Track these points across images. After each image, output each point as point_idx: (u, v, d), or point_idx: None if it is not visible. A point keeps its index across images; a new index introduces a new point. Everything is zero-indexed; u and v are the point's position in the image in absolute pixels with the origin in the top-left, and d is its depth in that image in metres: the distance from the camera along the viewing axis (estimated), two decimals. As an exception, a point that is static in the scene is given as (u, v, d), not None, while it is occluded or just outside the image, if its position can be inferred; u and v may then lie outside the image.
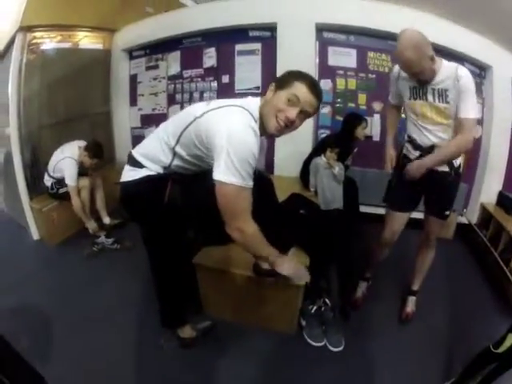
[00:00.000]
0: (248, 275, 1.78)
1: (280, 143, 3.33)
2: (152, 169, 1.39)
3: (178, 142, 1.33)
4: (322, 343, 1.85)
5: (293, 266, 1.56)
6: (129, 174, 1.43)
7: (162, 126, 1.46)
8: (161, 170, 1.39)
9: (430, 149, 1.72)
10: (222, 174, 1.19)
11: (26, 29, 2.94)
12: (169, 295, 1.73)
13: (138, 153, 1.45)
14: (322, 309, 1.96)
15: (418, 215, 2.02)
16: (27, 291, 2.35)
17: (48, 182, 3.03)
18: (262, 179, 1.47)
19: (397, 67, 1.76)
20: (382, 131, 3.16)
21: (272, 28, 3.20)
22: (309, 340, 1.87)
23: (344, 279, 2.21)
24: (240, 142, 1.17)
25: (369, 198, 3.12)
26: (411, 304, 2.09)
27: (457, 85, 1.53)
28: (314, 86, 1.28)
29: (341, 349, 1.82)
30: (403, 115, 2.00)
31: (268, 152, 3.38)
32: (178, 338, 1.82)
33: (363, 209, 3.13)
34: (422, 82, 1.62)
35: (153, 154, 1.39)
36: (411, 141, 1.81)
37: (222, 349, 1.84)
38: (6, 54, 3.10)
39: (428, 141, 1.71)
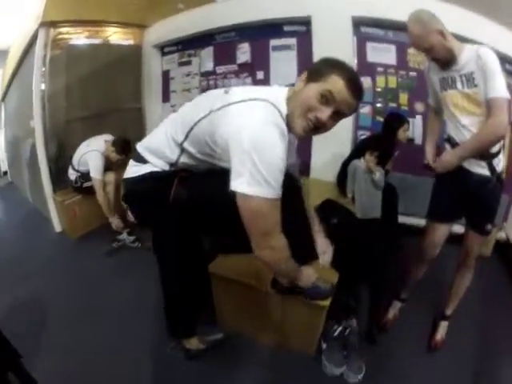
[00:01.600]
0: (266, 289, 1.61)
1: (317, 145, 3.15)
2: (157, 165, 1.22)
3: (186, 137, 1.14)
4: (341, 370, 1.63)
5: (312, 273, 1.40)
6: (132, 170, 1.27)
7: (172, 116, 1.28)
8: (166, 167, 1.21)
9: None
10: (245, 184, 0.99)
11: (48, 24, 2.94)
12: (176, 305, 1.58)
13: (142, 147, 1.28)
14: (347, 331, 1.74)
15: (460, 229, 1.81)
16: (42, 282, 2.37)
17: (72, 175, 3.00)
18: (290, 181, 1.24)
19: (427, 64, 1.68)
20: (425, 134, 2.88)
21: (307, 22, 3.02)
22: (327, 366, 1.65)
23: (376, 299, 1.98)
24: (267, 146, 0.98)
25: (408, 207, 2.86)
26: (442, 330, 1.85)
27: (480, 64, 1.40)
28: (353, 82, 1.05)
29: (360, 377, 1.61)
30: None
31: (304, 154, 3.20)
32: (183, 349, 1.68)
33: (402, 219, 2.86)
34: (443, 63, 1.51)
35: (157, 149, 1.22)
36: (449, 139, 1.63)
37: (232, 363, 1.70)
38: (31, 49, 3.13)
39: (464, 138, 1.53)
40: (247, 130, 0.97)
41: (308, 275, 1.39)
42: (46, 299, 2.18)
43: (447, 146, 1.65)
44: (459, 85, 1.49)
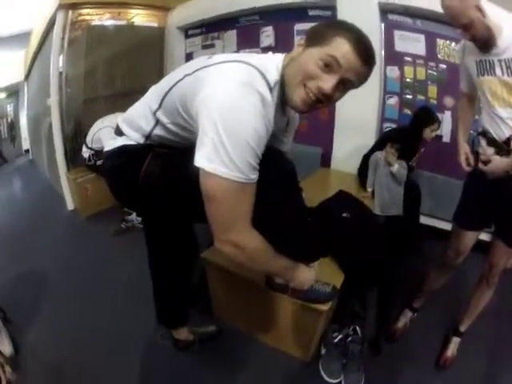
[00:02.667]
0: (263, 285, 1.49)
1: (339, 135, 3.04)
2: (132, 138, 1.07)
3: (160, 105, 0.99)
4: (338, 380, 1.50)
5: (309, 276, 1.25)
6: (109, 143, 1.14)
7: (157, 84, 1.12)
8: (141, 140, 1.06)
9: (506, 144, 1.34)
10: (205, 159, 0.82)
11: (66, 6, 2.95)
12: (164, 293, 1.50)
13: (121, 118, 1.13)
14: (349, 339, 1.60)
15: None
16: (48, 257, 2.43)
17: (86, 153, 2.99)
18: (281, 163, 1.10)
19: (461, 43, 1.48)
20: (454, 131, 2.66)
21: (332, 7, 2.88)
22: (323, 374, 1.52)
23: (386, 305, 1.84)
24: (238, 112, 0.80)
25: (433, 208, 2.72)
26: (453, 346, 1.68)
27: None
28: (362, 44, 0.88)
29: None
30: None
31: (325, 143, 3.11)
32: (172, 338, 1.61)
33: (427, 221, 2.72)
34: (482, 45, 1.31)
35: (134, 120, 1.07)
36: (485, 134, 1.43)
37: (221, 359, 1.61)
38: (51, 30, 3.14)
39: (502, 133, 1.34)
40: (217, 94, 0.81)
41: (303, 278, 1.25)
42: (49, 273, 2.21)
43: (482, 142, 1.45)
44: (498, 71, 1.31)
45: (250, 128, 0.81)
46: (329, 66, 0.87)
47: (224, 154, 0.80)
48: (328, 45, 0.87)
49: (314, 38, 0.90)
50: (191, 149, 0.87)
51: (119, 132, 1.11)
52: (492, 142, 1.38)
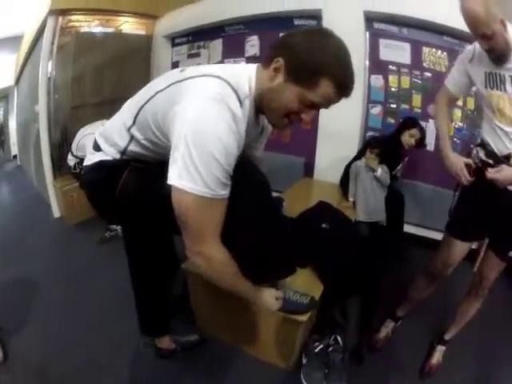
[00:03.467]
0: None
1: (322, 145, 3.05)
2: (108, 153, 1.07)
3: (134, 122, 1.00)
4: None
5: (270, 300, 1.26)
6: (87, 158, 1.15)
7: (132, 98, 1.12)
8: (117, 156, 1.06)
9: (506, 159, 1.31)
10: (176, 175, 0.83)
11: (57, 12, 2.95)
12: (145, 302, 1.50)
13: (99, 132, 1.14)
14: (330, 348, 1.59)
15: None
16: (33, 264, 2.42)
17: (71, 161, 2.97)
18: (254, 177, 1.12)
19: (471, 47, 1.40)
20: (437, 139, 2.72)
21: (318, 16, 2.90)
22: (304, 383, 1.52)
23: (368, 314, 1.84)
24: (208, 130, 0.80)
25: (418, 218, 2.75)
26: (438, 354, 1.68)
27: None
28: (346, 86, 0.89)
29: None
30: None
31: (308, 153, 3.13)
32: (154, 347, 1.61)
33: (408, 229, 2.72)
34: (496, 57, 1.26)
35: (110, 135, 1.08)
36: (484, 145, 1.40)
37: (204, 368, 1.61)
38: (41, 36, 3.14)
39: (504, 148, 1.31)
40: (190, 110, 0.82)
41: (270, 301, 1.26)
42: (35, 280, 2.22)
43: (481, 154, 1.41)
44: (509, 87, 1.27)
45: (220, 144, 0.81)
46: (311, 106, 0.92)
47: (193, 169, 0.81)
48: (311, 90, 0.88)
49: (296, 73, 0.88)
50: (166, 163, 0.88)
51: (97, 147, 1.11)
52: (491, 154, 1.36)
